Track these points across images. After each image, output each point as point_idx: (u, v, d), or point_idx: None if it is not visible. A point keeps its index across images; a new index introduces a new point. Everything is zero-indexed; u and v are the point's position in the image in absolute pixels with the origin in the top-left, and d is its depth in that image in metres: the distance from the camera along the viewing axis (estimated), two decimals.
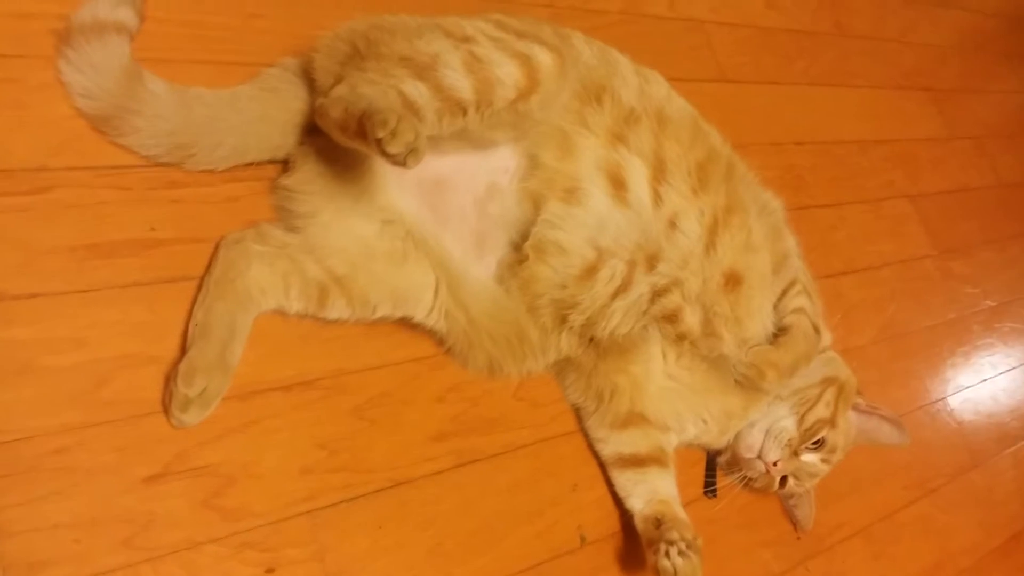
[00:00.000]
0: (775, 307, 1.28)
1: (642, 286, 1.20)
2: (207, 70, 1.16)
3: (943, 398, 1.93)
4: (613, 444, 1.29)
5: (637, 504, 1.25)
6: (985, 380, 2.05)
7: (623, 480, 1.28)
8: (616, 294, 1.19)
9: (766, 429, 1.33)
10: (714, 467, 1.43)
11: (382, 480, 1.12)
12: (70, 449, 0.93)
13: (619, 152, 1.19)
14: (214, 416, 1.02)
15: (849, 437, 1.39)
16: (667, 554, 1.13)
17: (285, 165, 1.16)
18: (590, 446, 1.32)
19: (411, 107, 1.02)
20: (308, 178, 1.12)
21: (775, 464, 1.30)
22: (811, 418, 1.33)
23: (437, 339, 1.21)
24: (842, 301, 1.84)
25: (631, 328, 1.23)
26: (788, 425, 1.33)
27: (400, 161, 0.94)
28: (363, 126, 0.95)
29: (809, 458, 1.34)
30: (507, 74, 1.07)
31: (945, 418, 1.90)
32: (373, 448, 1.13)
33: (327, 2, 1.31)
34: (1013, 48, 3.10)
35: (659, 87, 1.31)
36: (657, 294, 1.21)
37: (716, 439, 1.36)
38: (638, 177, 1.19)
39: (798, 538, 1.49)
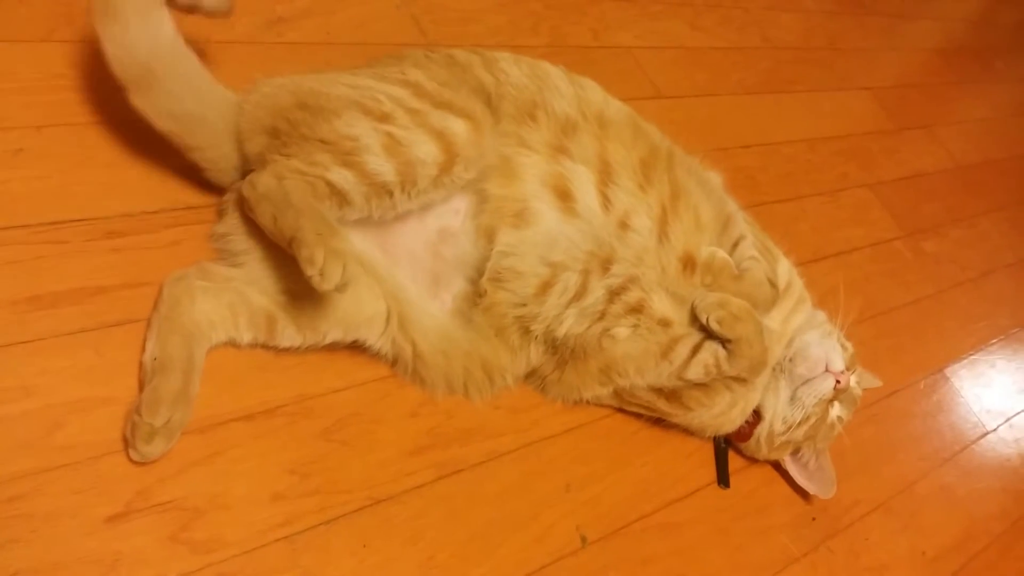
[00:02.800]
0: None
1: (597, 291, 1.20)
2: None
3: (940, 370, 1.89)
4: None
5: None
6: (978, 348, 2.02)
7: None
8: (570, 303, 1.20)
9: (823, 347, 1.33)
10: (725, 455, 1.39)
11: (361, 499, 1.08)
12: (26, 496, 0.90)
13: (562, 164, 1.20)
14: (173, 451, 0.99)
15: None
16: None
17: (219, 213, 1.16)
18: None
19: (340, 195, 1.06)
20: (241, 221, 1.12)
21: (843, 373, 1.31)
22: (848, 345, 1.38)
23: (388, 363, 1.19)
24: (817, 286, 1.79)
25: (586, 329, 1.21)
26: (835, 344, 1.35)
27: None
28: (292, 250, 0.98)
29: (852, 380, 1.35)
30: (426, 153, 1.08)
31: (945, 388, 1.86)
32: (347, 468, 1.09)
33: None
34: (944, 44, 3.20)
35: (595, 93, 1.33)
36: (615, 293, 1.20)
37: None
38: (585, 184, 1.20)
39: (813, 519, 1.43)
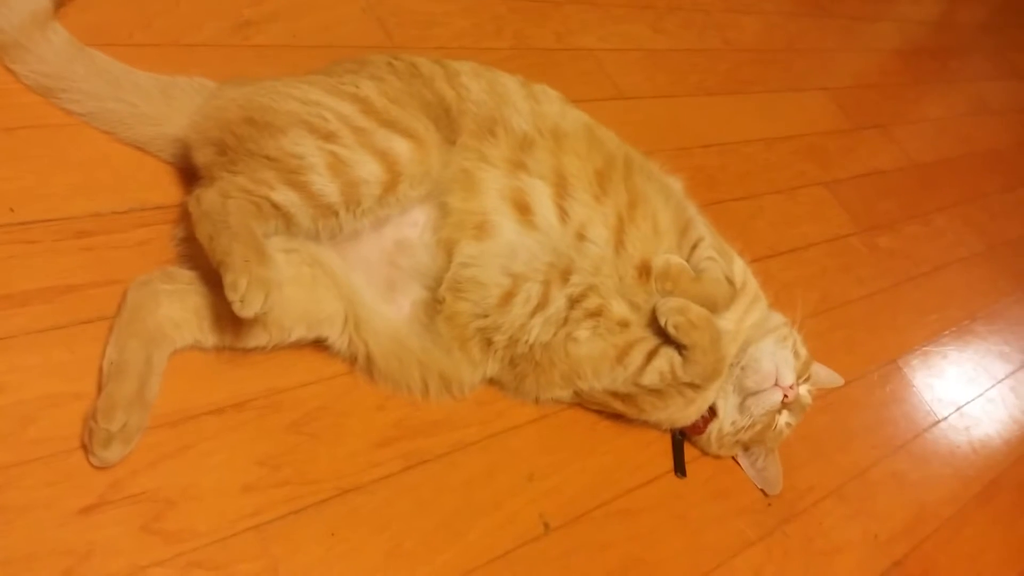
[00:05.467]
0: (688, 264, 1.32)
1: (559, 300, 1.24)
2: None
3: (892, 361, 1.96)
4: None
5: None
6: (930, 340, 2.09)
7: None
8: (534, 312, 1.23)
9: (774, 361, 1.36)
10: (681, 446, 1.44)
11: (329, 489, 1.11)
12: (0, 489, 0.93)
13: (520, 178, 1.24)
14: (145, 444, 1.01)
15: None
16: None
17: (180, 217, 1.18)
18: None
19: (285, 216, 1.09)
20: None
21: (791, 388, 1.34)
22: (802, 352, 1.41)
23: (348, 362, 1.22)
24: (773, 282, 1.86)
25: (551, 336, 1.25)
26: (788, 355, 1.38)
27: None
28: (219, 272, 1.01)
29: (802, 390, 1.40)
30: (369, 172, 1.11)
31: (898, 379, 1.93)
32: (316, 460, 1.13)
33: None
34: (902, 45, 3.29)
35: (552, 104, 1.37)
36: (575, 301, 1.24)
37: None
38: (542, 198, 1.24)
39: (769, 504, 1.48)
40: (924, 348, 2.05)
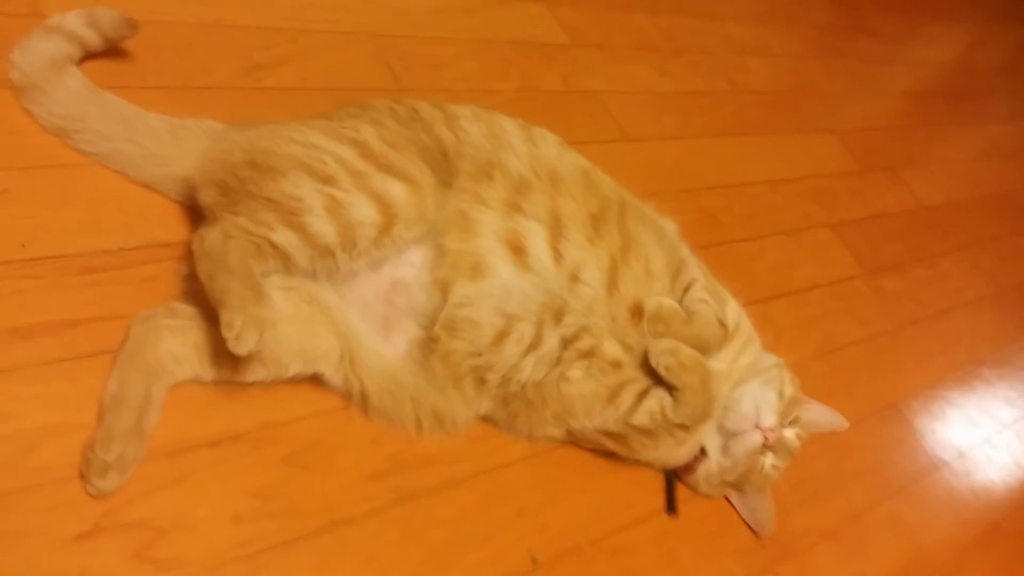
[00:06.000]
0: (680, 306, 1.34)
1: (552, 340, 1.26)
2: None
3: (894, 404, 1.96)
4: None
5: None
6: (934, 384, 2.09)
7: None
8: (527, 352, 1.26)
9: (755, 402, 1.37)
10: (673, 485, 1.46)
11: (320, 522, 1.14)
12: None
13: (516, 220, 1.27)
14: (141, 474, 1.05)
15: (805, 419, 1.45)
16: None
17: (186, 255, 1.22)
18: None
19: (284, 256, 1.14)
20: None
21: (772, 430, 1.35)
22: (787, 393, 1.40)
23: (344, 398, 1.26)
24: (774, 323, 1.90)
25: (544, 376, 1.28)
26: (772, 396, 1.38)
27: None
28: (217, 310, 1.05)
29: (788, 433, 1.39)
30: (365, 215, 1.16)
31: (898, 422, 1.93)
32: (308, 492, 1.16)
33: None
34: (913, 87, 3.31)
35: (549, 148, 1.40)
36: (568, 341, 1.27)
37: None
38: (537, 240, 1.27)
39: (763, 546, 1.49)
40: (927, 391, 2.05)
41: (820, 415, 1.48)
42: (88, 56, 1.33)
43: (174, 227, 1.26)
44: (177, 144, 1.25)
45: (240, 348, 1.02)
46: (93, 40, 1.31)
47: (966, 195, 2.92)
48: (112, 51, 1.37)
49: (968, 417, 2.09)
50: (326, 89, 1.63)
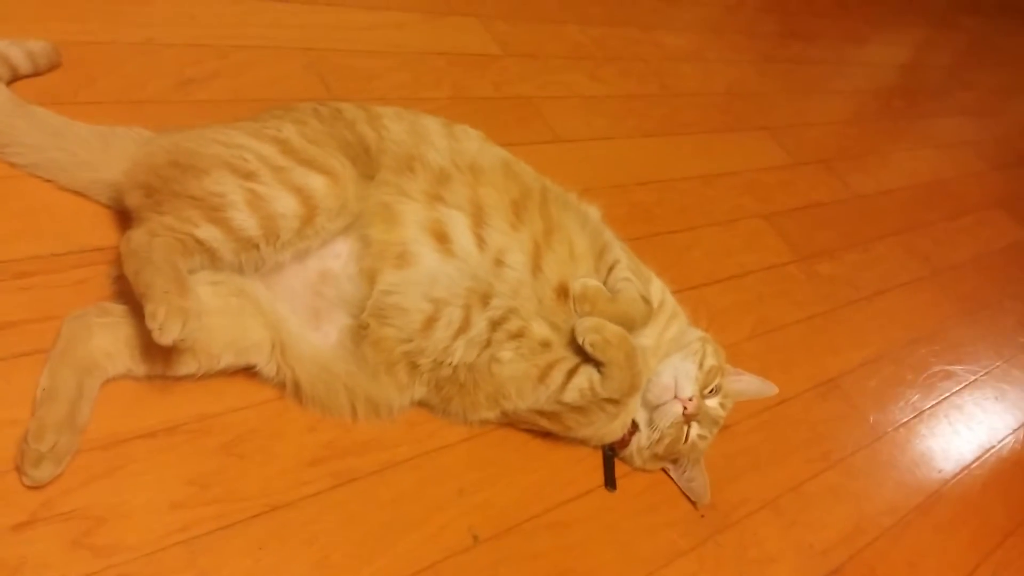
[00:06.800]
0: (604, 286, 1.40)
1: (480, 322, 1.31)
2: None
3: (831, 379, 2.02)
4: None
5: None
6: (871, 360, 2.15)
7: None
8: (457, 335, 1.30)
9: (674, 374, 1.42)
10: (611, 460, 1.50)
11: (258, 506, 1.17)
12: None
13: (438, 210, 1.32)
14: (77, 466, 1.07)
15: (733, 389, 1.51)
16: None
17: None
18: None
19: (209, 251, 1.18)
20: None
21: (690, 400, 1.39)
22: (707, 364, 1.45)
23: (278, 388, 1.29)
24: (708, 307, 1.95)
25: (475, 358, 1.32)
26: (691, 367, 1.43)
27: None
28: (142, 303, 1.08)
29: (711, 402, 1.45)
30: (286, 207, 1.20)
31: (836, 397, 1.98)
32: (246, 479, 1.18)
33: None
34: (844, 86, 3.42)
35: (471, 142, 1.47)
36: (496, 323, 1.32)
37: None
38: (460, 227, 1.32)
39: (702, 516, 1.53)
40: (864, 367, 2.11)
41: (749, 384, 1.54)
42: (17, 78, 1.37)
43: (105, 232, 1.30)
44: (106, 150, 1.29)
45: (164, 338, 1.06)
46: (20, 60, 1.36)
47: (899, 184, 3.01)
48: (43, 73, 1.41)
49: (906, 391, 2.15)
50: (258, 100, 1.67)
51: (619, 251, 1.47)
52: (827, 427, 1.90)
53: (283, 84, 1.76)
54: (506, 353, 1.33)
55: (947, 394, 2.24)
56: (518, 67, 2.27)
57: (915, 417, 2.09)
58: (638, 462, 1.48)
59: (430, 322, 1.29)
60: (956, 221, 3.04)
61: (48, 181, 1.30)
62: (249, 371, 1.26)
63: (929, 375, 2.26)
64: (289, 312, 1.28)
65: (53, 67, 1.43)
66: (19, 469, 1.04)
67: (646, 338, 1.44)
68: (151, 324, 1.05)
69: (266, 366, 1.25)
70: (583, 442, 1.47)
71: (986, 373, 2.38)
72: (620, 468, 1.51)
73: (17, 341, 1.14)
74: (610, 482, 1.47)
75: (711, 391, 1.44)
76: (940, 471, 1.99)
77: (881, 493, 1.84)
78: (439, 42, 2.20)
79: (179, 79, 1.62)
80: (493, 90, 2.13)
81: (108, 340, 1.15)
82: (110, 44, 1.59)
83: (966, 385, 2.30)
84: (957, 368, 2.34)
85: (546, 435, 1.45)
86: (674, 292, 1.60)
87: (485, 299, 1.31)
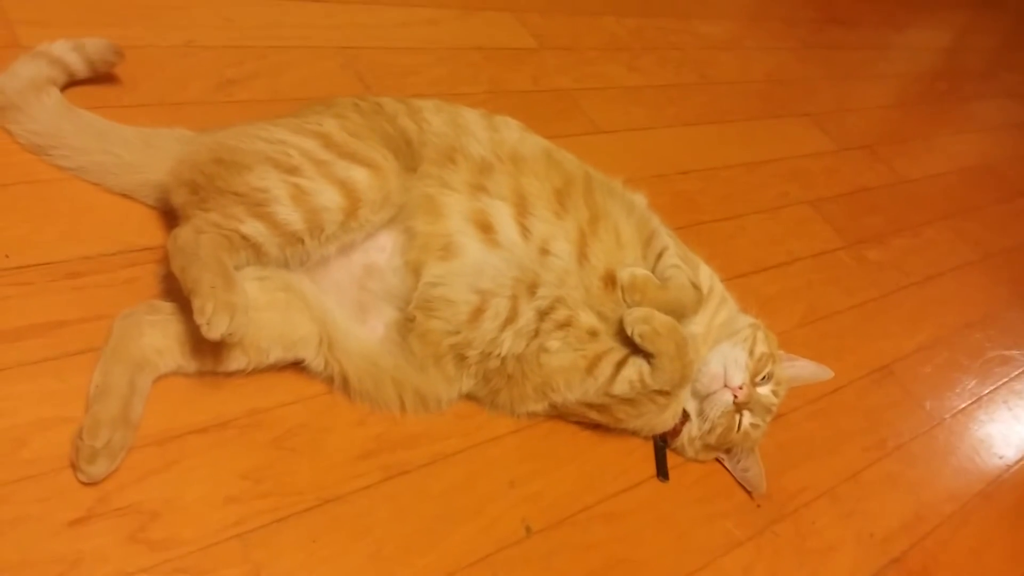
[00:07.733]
0: (653, 273, 1.37)
1: (528, 312, 1.29)
2: None
3: (885, 366, 1.97)
4: None
5: None
6: (924, 346, 2.10)
7: None
8: (504, 326, 1.29)
9: (723, 362, 1.39)
10: (663, 450, 1.47)
11: (311, 500, 1.16)
12: None
13: (481, 200, 1.31)
14: (131, 462, 1.08)
15: (786, 375, 1.47)
16: None
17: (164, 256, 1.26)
18: None
19: (254, 246, 1.18)
20: None
21: (740, 388, 1.36)
22: (758, 351, 1.41)
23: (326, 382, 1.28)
24: (756, 295, 1.91)
25: (523, 348, 1.31)
26: (741, 355, 1.40)
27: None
28: (190, 299, 1.09)
29: (763, 390, 1.41)
30: (329, 200, 1.19)
31: (890, 383, 1.94)
32: (298, 473, 1.18)
33: None
34: (886, 70, 3.36)
35: (511, 132, 1.45)
36: (544, 313, 1.30)
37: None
38: (504, 217, 1.31)
39: (758, 506, 1.50)
40: (917, 353, 2.07)
41: (803, 369, 1.50)
42: (74, 83, 1.39)
43: (152, 232, 1.31)
44: (150, 152, 1.30)
45: (212, 332, 1.06)
46: (78, 65, 1.38)
47: (946, 168, 2.95)
48: (96, 77, 1.43)
49: (962, 376, 2.10)
50: (297, 99, 1.66)
51: (667, 238, 1.44)
52: (882, 414, 1.86)
53: (321, 83, 1.76)
54: (553, 343, 1.32)
55: (1005, 379, 2.18)
56: (555, 60, 2.26)
57: (973, 403, 2.04)
58: (690, 452, 1.45)
59: (477, 313, 1.28)
60: (1005, 204, 2.97)
61: (95, 184, 1.31)
62: (298, 366, 1.26)
63: (985, 360, 2.21)
64: (335, 306, 1.27)
65: (111, 67, 1.44)
66: (74, 466, 1.04)
67: (696, 325, 1.42)
68: (199, 319, 1.05)
69: (314, 360, 1.25)
70: (633, 433, 1.45)
71: None
72: (672, 458, 1.48)
73: (70, 340, 1.15)
74: (662, 472, 1.45)
75: (763, 378, 1.41)
76: (1001, 457, 1.93)
77: (940, 481, 1.80)
78: (474, 37, 2.19)
79: (219, 80, 1.62)
80: (531, 83, 2.12)
81: (158, 337, 1.15)
82: (151, 48, 1.61)
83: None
84: (1014, 353, 2.28)
85: (595, 426, 1.44)
86: (721, 280, 1.57)
87: (532, 289, 1.29)
